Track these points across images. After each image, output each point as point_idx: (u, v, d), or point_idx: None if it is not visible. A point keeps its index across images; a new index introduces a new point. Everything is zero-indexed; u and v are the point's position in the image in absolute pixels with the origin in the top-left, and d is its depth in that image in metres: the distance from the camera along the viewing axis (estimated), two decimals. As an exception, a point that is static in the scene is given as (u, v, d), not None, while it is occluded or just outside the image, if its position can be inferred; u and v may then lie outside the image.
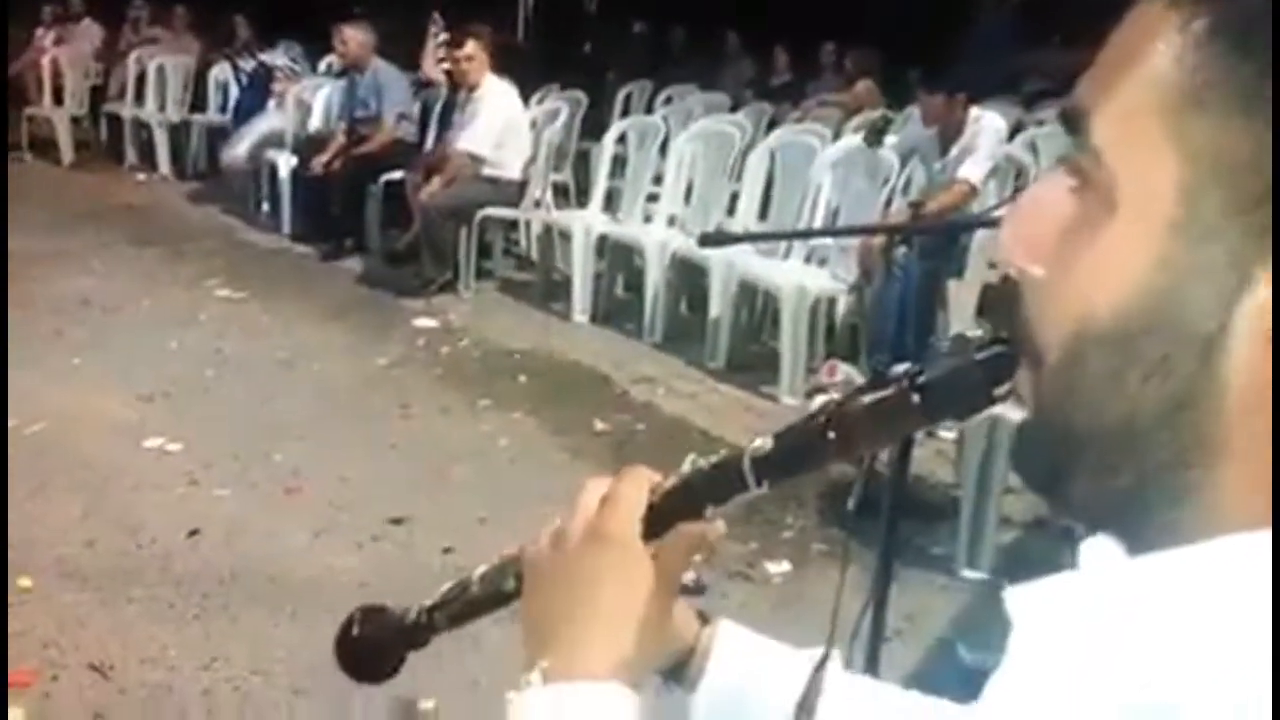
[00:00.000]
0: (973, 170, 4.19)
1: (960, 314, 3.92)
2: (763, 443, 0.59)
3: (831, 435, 0.56)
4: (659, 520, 0.61)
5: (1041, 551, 2.89)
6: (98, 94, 8.89)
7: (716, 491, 0.61)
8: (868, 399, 0.56)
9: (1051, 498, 0.47)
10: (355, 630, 0.74)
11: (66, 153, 8.35)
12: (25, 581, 2.68)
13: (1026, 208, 0.46)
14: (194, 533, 3.00)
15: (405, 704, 2.29)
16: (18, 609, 2.58)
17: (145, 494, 3.21)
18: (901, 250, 4.07)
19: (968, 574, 2.94)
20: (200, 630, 2.56)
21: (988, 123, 4.28)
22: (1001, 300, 0.50)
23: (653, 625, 0.60)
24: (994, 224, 3.29)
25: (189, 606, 2.64)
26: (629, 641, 0.59)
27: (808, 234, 4.63)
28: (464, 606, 0.71)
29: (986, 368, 0.53)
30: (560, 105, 6.27)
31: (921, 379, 0.54)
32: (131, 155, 8.43)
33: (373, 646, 0.74)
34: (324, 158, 6.09)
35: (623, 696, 0.57)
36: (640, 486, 0.61)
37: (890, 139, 4.64)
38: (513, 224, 6.01)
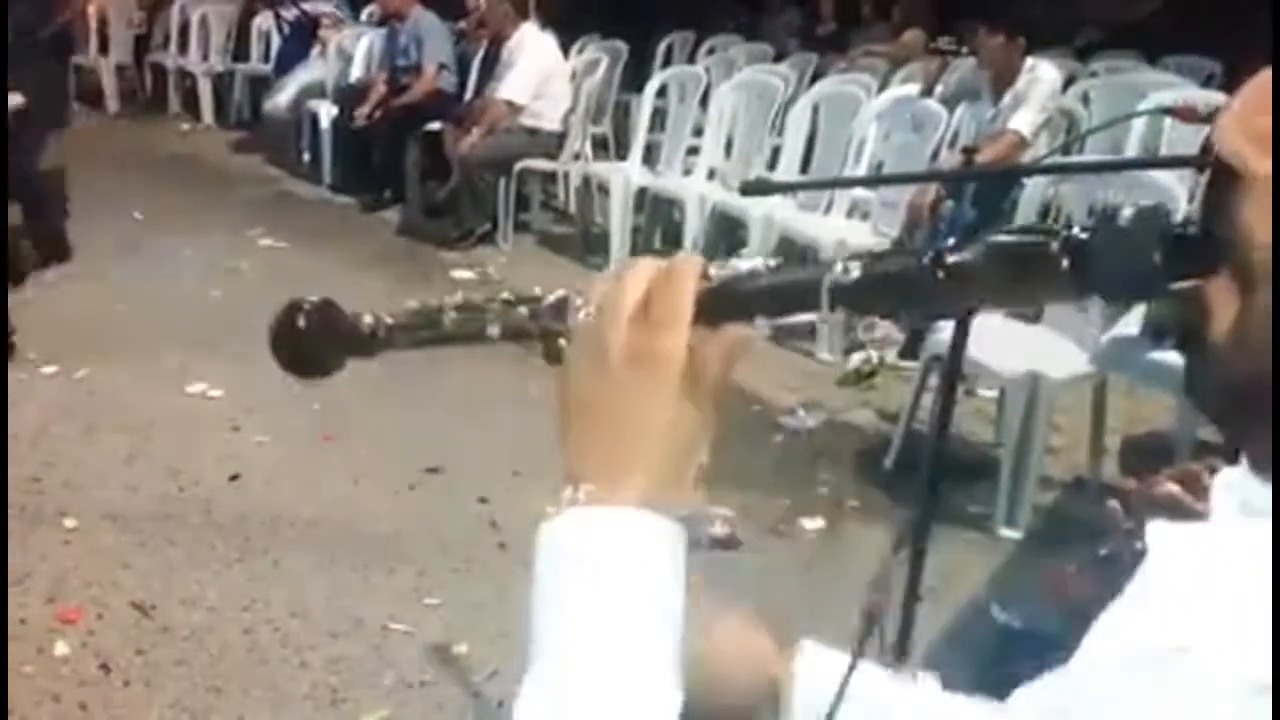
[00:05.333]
0: (1023, 121, 4.09)
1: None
2: (848, 267, 0.51)
3: (941, 275, 0.47)
4: (707, 313, 0.55)
5: (1080, 512, 2.85)
6: (142, 43, 8.93)
7: (780, 302, 0.54)
8: (1005, 241, 0.46)
9: (1235, 436, 0.41)
10: (301, 322, 0.67)
11: (111, 102, 8.42)
12: (70, 522, 2.74)
13: (1256, 91, 0.39)
14: (235, 478, 3.04)
15: (439, 648, 2.32)
16: (63, 549, 2.64)
17: (187, 439, 3.26)
18: (948, 204, 4.00)
19: (1005, 532, 2.91)
20: (240, 573, 2.60)
21: (1042, 73, 4.17)
22: (1216, 190, 0.43)
23: (697, 446, 0.57)
24: (1049, 171, 3.20)
25: (229, 550, 2.69)
26: (674, 468, 0.56)
27: (855, 182, 4.55)
28: (432, 336, 0.66)
29: (1172, 250, 0.42)
30: (600, 56, 6.18)
31: (1080, 237, 0.43)
32: (175, 104, 8.49)
33: (316, 344, 0.68)
34: (366, 109, 6.08)
35: (673, 535, 0.55)
36: (692, 282, 0.55)
37: (938, 88, 4.53)
38: (551, 176, 5.97)
